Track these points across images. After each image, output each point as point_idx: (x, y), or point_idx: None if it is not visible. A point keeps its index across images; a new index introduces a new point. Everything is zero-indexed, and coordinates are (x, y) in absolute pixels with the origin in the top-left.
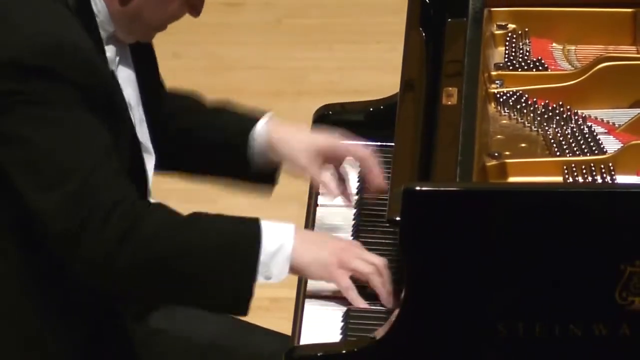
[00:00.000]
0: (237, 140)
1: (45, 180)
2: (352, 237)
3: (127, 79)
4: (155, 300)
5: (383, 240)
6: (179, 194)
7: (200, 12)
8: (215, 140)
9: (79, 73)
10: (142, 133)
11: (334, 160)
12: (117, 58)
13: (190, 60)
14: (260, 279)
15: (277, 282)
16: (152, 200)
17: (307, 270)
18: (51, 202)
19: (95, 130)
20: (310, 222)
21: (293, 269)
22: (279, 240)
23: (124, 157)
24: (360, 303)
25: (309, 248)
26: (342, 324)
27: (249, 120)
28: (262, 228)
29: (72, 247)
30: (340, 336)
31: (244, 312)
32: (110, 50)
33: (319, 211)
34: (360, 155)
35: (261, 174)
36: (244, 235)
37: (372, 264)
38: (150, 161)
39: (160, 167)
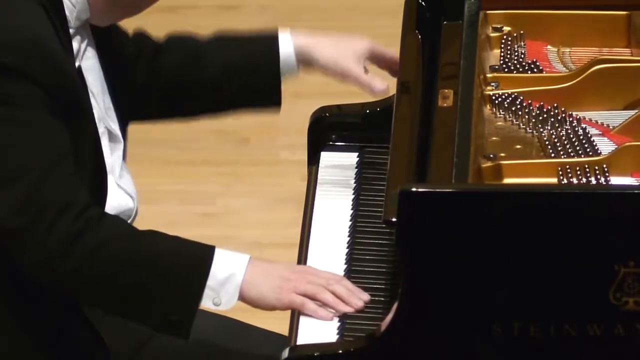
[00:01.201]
0: (269, 73)
1: (1, 177)
2: (348, 238)
3: (91, 67)
4: (96, 307)
5: (379, 242)
6: (178, 195)
7: None
8: (244, 83)
9: (43, 71)
10: (110, 121)
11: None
12: (82, 48)
13: None
14: (209, 304)
15: (225, 309)
16: (116, 200)
17: (259, 301)
18: (3, 199)
19: (53, 131)
20: (307, 224)
21: (244, 299)
22: (230, 269)
23: (85, 155)
24: (323, 314)
25: (261, 279)
26: (338, 324)
27: (267, 47)
28: (215, 254)
29: (19, 245)
30: (337, 336)
31: (185, 335)
32: (77, 40)
33: (316, 214)
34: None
35: (268, 98)
36: (194, 258)
37: (319, 285)
38: (118, 149)
39: (155, 115)
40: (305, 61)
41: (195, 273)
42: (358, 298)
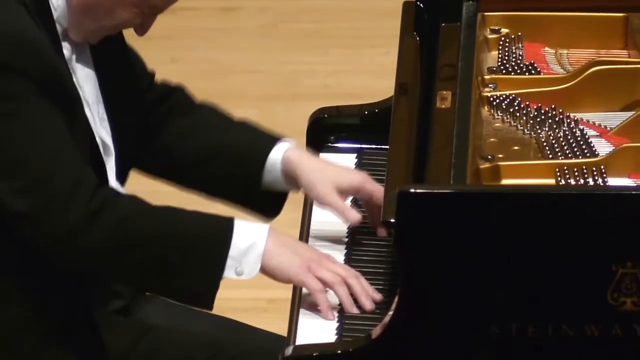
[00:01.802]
0: (252, 167)
1: (4, 168)
2: (347, 239)
3: (85, 77)
4: (120, 282)
5: (378, 242)
6: (178, 196)
7: (145, 33)
8: (228, 167)
9: (32, 64)
10: (103, 132)
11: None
12: (74, 56)
13: (187, 64)
14: (231, 274)
15: (248, 279)
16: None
17: (277, 270)
18: (12, 189)
19: (51, 118)
20: (305, 225)
21: (264, 269)
22: (251, 238)
23: (81, 144)
24: (326, 311)
25: (281, 250)
26: (337, 324)
27: (265, 145)
28: (235, 224)
29: (36, 227)
30: (336, 337)
31: (209, 306)
32: (66, 48)
33: (315, 215)
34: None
35: (265, 203)
36: (216, 228)
37: (338, 275)
38: (110, 160)
39: (151, 172)
40: (289, 176)
41: (217, 244)
42: (370, 298)
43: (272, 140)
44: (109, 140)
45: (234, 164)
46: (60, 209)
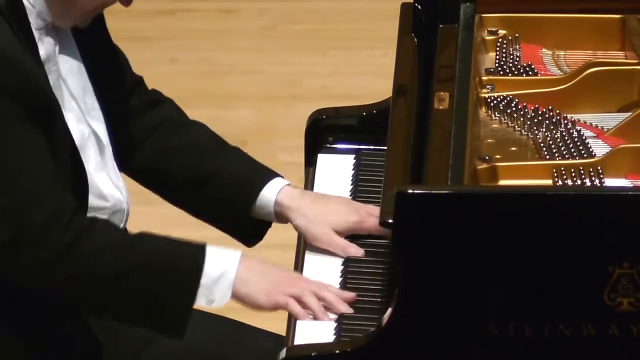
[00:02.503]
0: (243, 201)
1: None
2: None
3: (70, 69)
4: (93, 312)
5: (376, 243)
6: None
7: (130, 2)
8: (218, 195)
9: (9, 83)
10: (94, 122)
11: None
12: (57, 48)
13: (187, 65)
14: (202, 302)
15: (219, 306)
16: (99, 216)
17: (249, 297)
18: None
19: (30, 141)
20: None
21: (235, 296)
22: (223, 266)
23: (62, 158)
24: (303, 316)
25: (252, 277)
26: (335, 324)
27: (258, 180)
28: (206, 252)
29: (9, 259)
30: (334, 337)
31: (181, 334)
32: (47, 43)
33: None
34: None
35: (249, 231)
36: (187, 258)
37: (306, 289)
38: (105, 148)
39: (143, 182)
40: (282, 216)
41: (189, 274)
42: (344, 303)
43: (265, 176)
44: (101, 130)
45: (224, 193)
46: (32, 242)
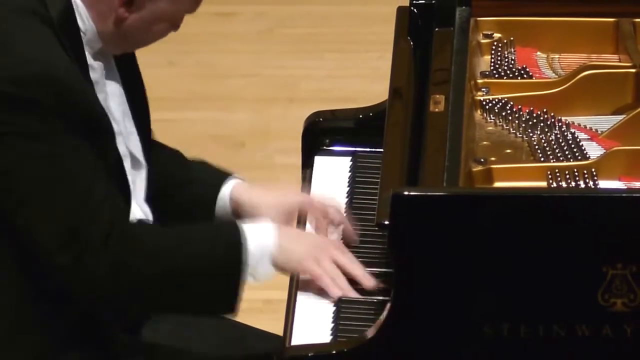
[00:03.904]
0: (206, 204)
1: (39, 215)
2: (342, 241)
3: (113, 93)
4: (155, 311)
5: (372, 244)
6: None
7: (178, 28)
8: (185, 203)
9: (64, 104)
10: (132, 145)
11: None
12: (104, 72)
13: (185, 68)
14: (248, 279)
15: (262, 281)
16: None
17: (287, 265)
18: (48, 236)
19: (82, 158)
20: (301, 227)
21: (275, 266)
22: (261, 243)
23: (109, 174)
24: (335, 290)
25: (289, 245)
26: (332, 325)
27: (214, 186)
28: (244, 232)
29: (73, 277)
30: (331, 337)
31: (233, 310)
32: (97, 66)
33: (310, 217)
34: (327, 214)
35: None
36: (229, 242)
37: (338, 264)
38: (141, 173)
39: None
40: (235, 209)
41: (234, 257)
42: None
43: (224, 177)
44: (139, 154)
45: (190, 200)
46: (95, 256)
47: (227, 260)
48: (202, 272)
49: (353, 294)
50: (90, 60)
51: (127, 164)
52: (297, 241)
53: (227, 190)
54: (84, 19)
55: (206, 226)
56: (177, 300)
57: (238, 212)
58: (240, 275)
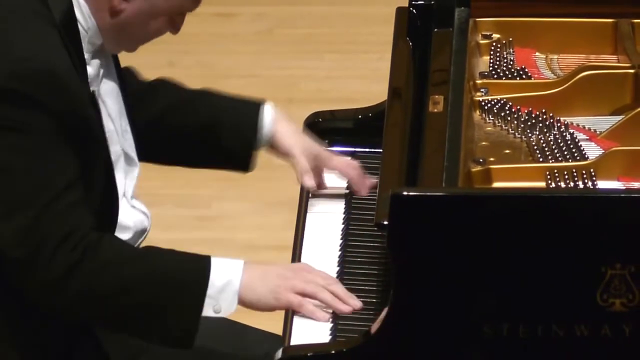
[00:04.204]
0: (246, 135)
1: (4, 207)
2: (341, 240)
3: (110, 91)
4: (102, 327)
5: (371, 244)
6: (175, 199)
7: (179, 30)
8: (220, 137)
9: (57, 101)
10: (127, 144)
11: (318, 165)
12: (102, 71)
13: (185, 69)
14: (209, 312)
15: (226, 315)
16: (127, 221)
17: (257, 303)
18: (8, 230)
19: (64, 160)
20: (300, 227)
21: (243, 303)
22: (227, 276)
23: (96, 179)
24: (320, 315)
25: (256, 282)
26: (331, 324)
27: (252, 112)
28: (211, 264)
29: (25, 274)
30: (330, 337)
31: (190, 346)
32: (94, 65)
33: (309, 217)
34: (346, 171)
35: (237, 160)
36: (193, 270)
37: (317, 284)
38: (133, 170)
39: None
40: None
41: (196, 286)
42: (354, 300)
43: (257, 106)
44: (132, 153)
45: (232, 134)
46: (45, 259)
47: (188, 287)
48: (159, 294)
49: (345, 308)
50: (88, 59)
51: (120, 163)
52: (263, 278)
53: (267, 121)
54: (85, 16)
55: (174, 252)
56: (129, 320)
57: (274, 137)
58: (200, 304)
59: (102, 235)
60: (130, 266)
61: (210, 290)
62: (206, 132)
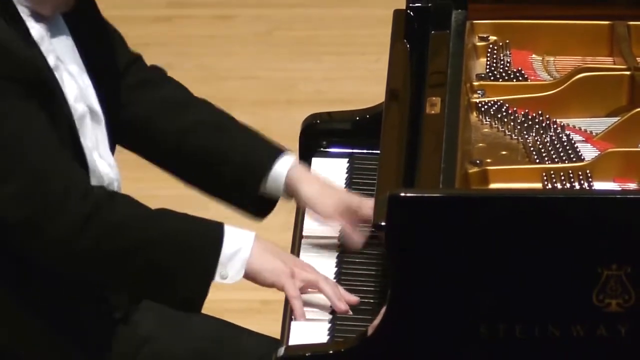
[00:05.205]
0: (255, 177)
1: None
2: (339, 242)
3: (65, 49)
4: (112, 286)
5: (369, 245)
6: (173, 200)
7: None
8: (232, 173)
9: (4, 64)
10: (90, 99)
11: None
12: (49, 33)
13: (183, 70)
14: (216, 278)
15: (230, 283)
16: (101, 177)
17: (260, 275)
18: (5, 194)
19: (32, 117)
20: (298, 228)
21: (247, 274)
22: (238, 244)
23: (62, 137)
24: (301, 316)
25: (265, 255)
26: (329, 325)
27: (269, 157)
28: (224, 231)
29: (31, 235)
30: (328, 337)
31: (197, 309)
32: (36, 28)
33: (307, 218)
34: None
35: (258, 206)
36: (206, 236)
37: (318, 277)
38: (101, 125)
39: (155, 162)
40: (290, 190)
41: (208, 251)
42: (352, 297)
43: (276, 152)
44: (97, 107)
45: (238, 170)
46: (53, 214)
47: (200, 251)
48: (171, 255)
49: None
50: (30, 22)
51: (87, 119)
52: (274, 255)
53: (282, 171)
54: None
55: (189, 216)
56: (139, 280)
57: (291, 193)
58: (211, 269)
59: (115, 193)
60: (144, 225)
61: (221, 257)
62: (215, 163)
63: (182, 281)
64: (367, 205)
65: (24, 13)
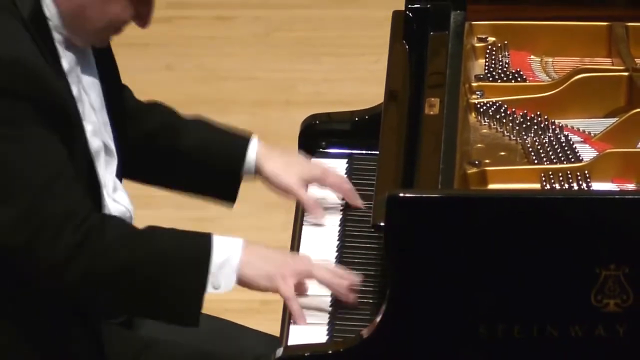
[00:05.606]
0: (232, 165)
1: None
2: (338, 242)
3: (91, 84)
4: (107, 309)
5: (368, 245)
6: (173, 200)
7: (146, 23)
8: (208, 164)
9: (31, 88)
10: (106, 136)
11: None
12: (78, 65)
13: (183, 71)
14: (209, 289)
15: (224, 292)
16: (112, 213)
17: (254, 281)
18: (4, 216)
19: (49, 144)
20: (297, 228)
21: (240, 281)
22: (226, 252)
23: (78, 168)
24: (299, 317)
25: (255, 261)
26: (328, 325)
27: (240, 144)
28: (212, 241)
29: (25, 261)
30: (327, 337)
31: (195, 323)
32: (68, 57)
33: (306, 218)
34: (340, 188)
35: (225, 190)
36: (195, 248)
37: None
38: (112, 164)
39: (128, 174)
40: (257, 169)
41: (198, 264)
42: (352, 276)
43: (246, 137)
44: (112, 145)
45: (222, 163)
46: (48, 241)
47: (191, 264)
48: (163, 272)
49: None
50: (61, 50)
51: (101, 155)
52: (264, 259)
53: (252, 154)
54: (48, 5)
55: (175, 231)
56: (133, 300)
57: (257, 172)
58: (203, 280)
59: (104, 217)
60: (133, 246)
61: (211, 268)
62: (195, 158)
63: (176, 296)
64: (331, 172)
65: (57, 40)
